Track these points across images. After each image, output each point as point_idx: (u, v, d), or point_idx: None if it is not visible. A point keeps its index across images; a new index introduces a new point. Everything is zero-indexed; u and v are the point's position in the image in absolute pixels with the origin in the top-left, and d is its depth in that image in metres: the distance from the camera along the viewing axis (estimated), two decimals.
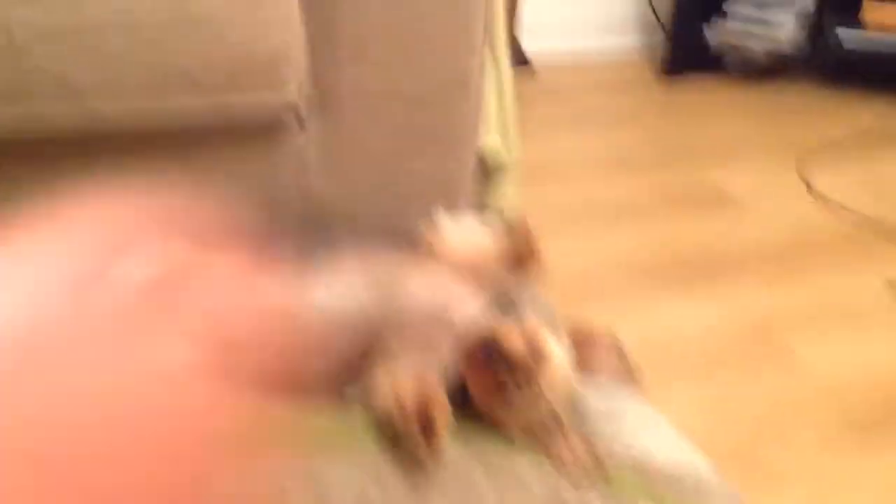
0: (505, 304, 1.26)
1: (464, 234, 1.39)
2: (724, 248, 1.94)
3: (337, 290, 1.28)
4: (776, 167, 2.34)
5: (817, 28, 2.92)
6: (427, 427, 1.09)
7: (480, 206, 1.85)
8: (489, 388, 1.21)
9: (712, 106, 2.74)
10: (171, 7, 1.29)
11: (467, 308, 1.28)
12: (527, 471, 1.23)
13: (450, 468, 1.24)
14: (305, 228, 1.52)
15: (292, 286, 1.30)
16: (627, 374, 1.27)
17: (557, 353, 1.23)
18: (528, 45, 2.93)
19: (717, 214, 2.09)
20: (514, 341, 1.17)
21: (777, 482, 1.32)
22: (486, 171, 1.86)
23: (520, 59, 2.90)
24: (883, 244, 1.97)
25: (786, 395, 1.50)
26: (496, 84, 1.81)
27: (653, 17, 3.10)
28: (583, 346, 1.27)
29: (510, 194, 1.91)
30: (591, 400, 1.40)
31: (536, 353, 1.19)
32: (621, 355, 1.28)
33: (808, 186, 2.22)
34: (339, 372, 1.30)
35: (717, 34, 2.92)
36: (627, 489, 1.22)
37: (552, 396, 1.20)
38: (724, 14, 2.89)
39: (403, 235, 1.54)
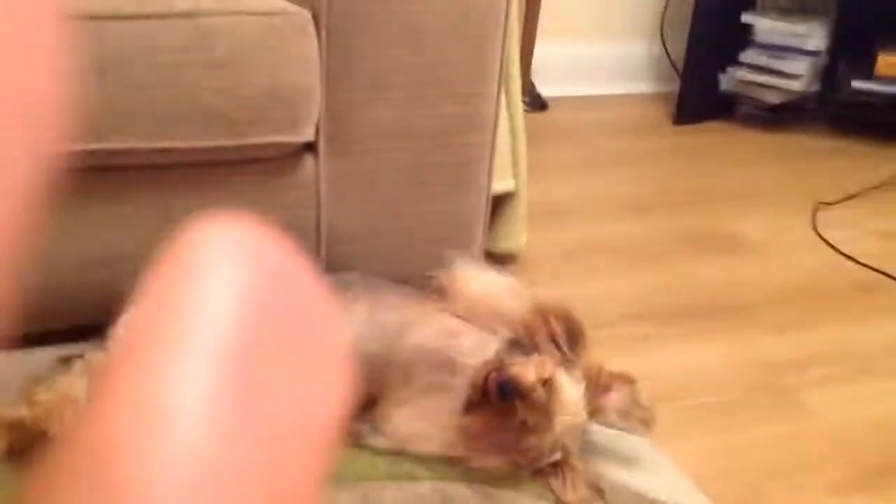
0: (519, 345, 1.27)
1: (483, 279, 1.40)
2: (735, 293, 1.94)
3: None
4: (790, 214, 2.34)
5: (831, 77, 2.94)
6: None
7: (492, 246, 1.87)
8: (497, 423, 1.22)
9: (726, 152, 2.76)
10: (194, 47, 1.32)
11: (473, 356, 1.30)
12: None
13: (454, 502, 1.24)
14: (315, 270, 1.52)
15: None
16: (640, 415, 1.28)
17: (570, 391, 1.24)
18: (543, 90, 2.96)
19: (729, 260, 2.09)
20: (528, 376, 1.18)
21: None
22: (499, 212, 1.87)
23: (535, 102, 2.92)
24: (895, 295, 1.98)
25: (795, 441, 1.50)
26: (510, 126, 1.83)
27: (667, 64, 3.12)
28: (597, 386, 1.28)
29: (521, 235, 1.93)
30: (599, 439, 1.41)
31: (549, 389, 1.20)
32: (635, 397, 1.28)
33: (821, 235, 2.23)
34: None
35: (732, 82, 2.94)
36: None
37: (562, 431, 1.21)
38: (738, 62, 2.91)
39: (415, 276, 1.56)
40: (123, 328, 1.28)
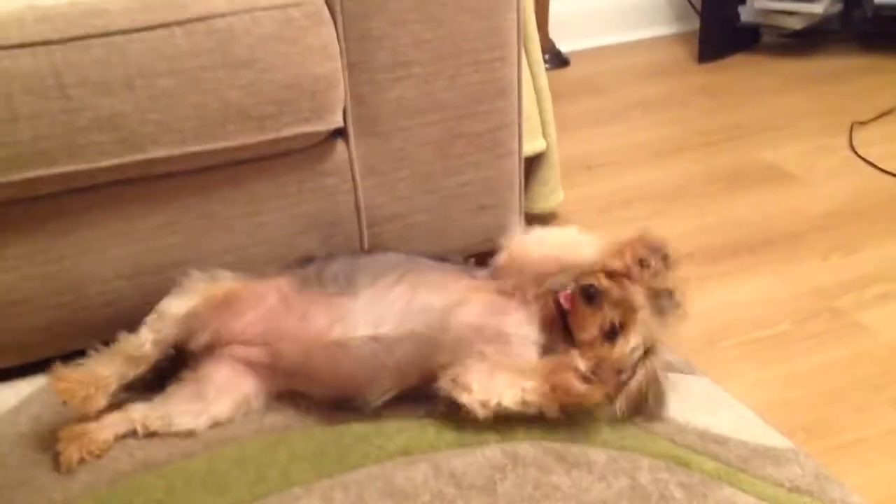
0: (591, 292, 1.30)
1: (550, 238, 1.42)
2: (779, 224, 1.94)
3: (383, 316, 1.33)
4: (825, 138, 2.32)
5: None
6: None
7: (530, 207, 1.88)
8: (588, 324, 1.29)
9: (754, 84, 2.73)
10: (213, 49, 1.34)
11: (522, 327, 1.33)
12: (604, 465, 1.26)
13: (525, 462, 1.27)
14: (355, 252, 1.55)
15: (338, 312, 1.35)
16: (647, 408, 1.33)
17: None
18: (563, 46, 2.95)
19: (769, 192, 2.09)
20: (602, 281, 1.30)
21: (855, 449, 1.32)
22: (533, 173, 1.88)
23: (556, 59, 2.91)
24: None
25: (854, 363, 1.50)
26: (534, 87, 1.83)
27: (684, 2, 3.09)
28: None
29: (558, 193, 1.94)
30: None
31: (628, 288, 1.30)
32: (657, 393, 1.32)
33: (859, 155, 2.21)
34: (399, 383, 1.34)
35: (752, 13, 2.90)
36: (707, 474, 1.24)
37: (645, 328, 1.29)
38: None
39: (457, 248, 1.58)
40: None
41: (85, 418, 1.31)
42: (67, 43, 1.29)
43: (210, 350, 1.38)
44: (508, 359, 1.31)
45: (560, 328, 1.33)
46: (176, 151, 1.38)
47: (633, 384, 1.30)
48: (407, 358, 1.32)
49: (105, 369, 1.32)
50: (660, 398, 1.33)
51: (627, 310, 1.29)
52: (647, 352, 1.31)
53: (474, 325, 1.33)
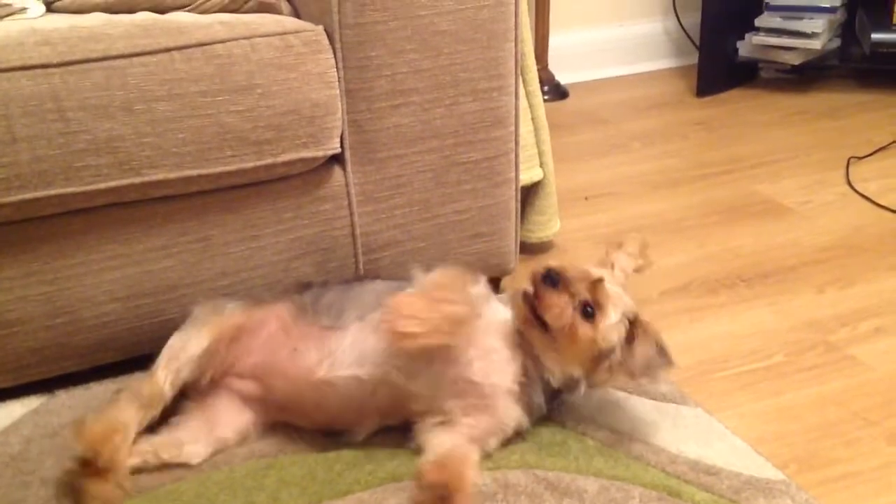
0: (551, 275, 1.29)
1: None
2: (776, 257, 1.94)
3: (365, 356, 1.33)
4: (823, 172, 2.34)
5: (850, 32, 2.92)
6: None
7: (526, 236, 1.88)
8: (562, 308, 1.27)
9: (751, 118, 2.74)
10: (212, 75, 1.36)
11: (491, 374, 1.31)
12: (596, 494, 1.25)
13: (517, 490, 1.26)
14: (349, 279, 1.54)
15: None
16: (663, 362, 1.31)
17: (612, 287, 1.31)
18: (562, 78, 2.97)
19: (766, 224, 2.09)
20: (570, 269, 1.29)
21: (847, 482, 1.32)
22: (530, 202, 1.89)
23: (555, 91, 2.93)
24: None
25: (848, 396, 1.49)
26: (532, 116, 1.84)
27: (683, 37, 3.11)
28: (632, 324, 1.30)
29: (554, 223, 1.94)
30: (652, 411, 1.42)
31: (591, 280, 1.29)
32: (661, 347, 1.31)
33: (856, 189, 2.22)
34: (382, 420, 1.34)
35: (750, 47, 2.93)
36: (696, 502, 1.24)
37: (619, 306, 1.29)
38: (755, 27, 2.90)
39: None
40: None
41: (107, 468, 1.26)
42: (67, 67, 1.30)
43: (211, 381, 1.37)
44: (472, 425, 1.30)
45: (537, 328, 1.29)
46: (173, 175, 1.39)
47: (638, 357, 1.29)
48: (385, 400, 1.32)
49: (125, 416, 1.28)
50: (666, 351, 1.31)
51: (593, 283, 1.27)
52: (633, 322, 1.29)
53: (443, 373, 1.31)
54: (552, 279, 1.27)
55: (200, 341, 1.34)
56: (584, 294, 1.27)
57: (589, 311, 1.27)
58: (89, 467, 1.23)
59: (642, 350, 1.29)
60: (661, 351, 1.30)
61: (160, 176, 1.37)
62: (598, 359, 1.28)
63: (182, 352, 1.33)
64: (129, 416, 1.29)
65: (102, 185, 1.35)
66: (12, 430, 1.41)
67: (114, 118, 1.32)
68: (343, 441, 1.35)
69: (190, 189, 1.42)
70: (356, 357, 1.33)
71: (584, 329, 1.27)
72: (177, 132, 1.36)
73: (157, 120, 1.34)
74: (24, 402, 1.46)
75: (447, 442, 1.26)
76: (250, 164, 1.42)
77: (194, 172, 1.40)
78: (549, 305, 1.27)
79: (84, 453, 1.23)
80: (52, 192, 1.33)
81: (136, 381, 1.34)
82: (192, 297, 1.46)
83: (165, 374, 1.32)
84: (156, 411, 1.31)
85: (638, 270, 1.44)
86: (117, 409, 1.29)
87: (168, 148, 1.36)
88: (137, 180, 1.37)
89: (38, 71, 1.29)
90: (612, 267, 1.38)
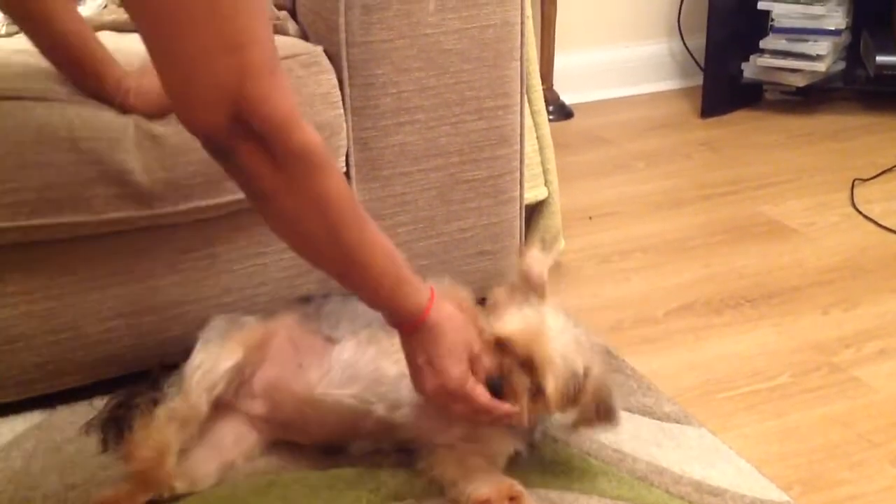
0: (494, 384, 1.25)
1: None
2: (780, 278, 1.94)
3: (357, 377, 1.32)
4: (827, 194, 2.34)
5: (855, 55, 2.93)
6: None
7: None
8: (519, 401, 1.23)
9: (756, 139, 2.75)
10: None
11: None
12: None
13: None
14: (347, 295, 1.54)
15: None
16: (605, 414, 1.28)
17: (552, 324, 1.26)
18: (567, 98, 2.97)
19: (770, 245, 2.09)
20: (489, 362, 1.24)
21: (853, 503, 1.32)
22: (535, 221, 1.89)
23: (560, 111, 2.93)
24: None
25: (853, 418, 1.49)
26: (537, 135, 1.85)
27: (688, 58, 3.12)
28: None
29: (559, 242, 1.94)
30: (656, 431, 1.42)
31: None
32: (605, 398, 1.27)
33: (860, 211, 2.22)
34: (377, 441, 1.35)
35: (755, 69, 2.93)
36: None
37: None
38: (759, 49, 2.90)
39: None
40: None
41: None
42: (83, 102, 1.32)
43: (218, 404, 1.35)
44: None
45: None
46: (182, 207, 1.39)
47: (586, 404, 1.25)
48: (374, 425, 1.32)
49: (168, 437, 1.26)
50: (610, 400, 1.27)
51: (532, 367, 1.22)
52: (584, 373, 1.24)
53: (426, 407, 1.30)
54: (494, 388, 1.22)
55: (232, 356, 1.31)
56: (525, 380, 1.22)
57: (538, 387, 1.22)
58: (138, 488, 1.25)
59: (586, 408, 1.26)
60: (606, 411, 1.27)
61: (169, 208, 1.38)
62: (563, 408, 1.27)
63: (215, 367, 1.30)
64: (172, 436, 1.26)
65: (112, 216, 1.35)
66: (14, 445, 1.41)
67: (126, 151, 1.33)
68: (344, 458, 1.35)
69: (197, 217, 1.43)
70: (348, 377, 1.32)
71: (536, 407, 1.24)
72: (186, 165, 1.36)
73: (167, 154, 1.35)
74: (26, 417, 1.46)
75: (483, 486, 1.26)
76: None
77: (203, 203, 1.40)
78: (502, 414, 1.23)
79: (135, 478, 1.24)
80: (61, 220, 1.33)
81: (172, 399, 1.30)
82: (196, 314, 1.45)
83: (200, 392, 1.28)
84: (194, 430, 1.29)
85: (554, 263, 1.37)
86: (158, 430, 1.26)
87: (178, 181, 1.37)
88: (146, 212, 1.37)
89: (55, 104, 1.31)
90: (532, 280, 1.30)
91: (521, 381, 1.22)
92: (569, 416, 1.29)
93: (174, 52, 0.93)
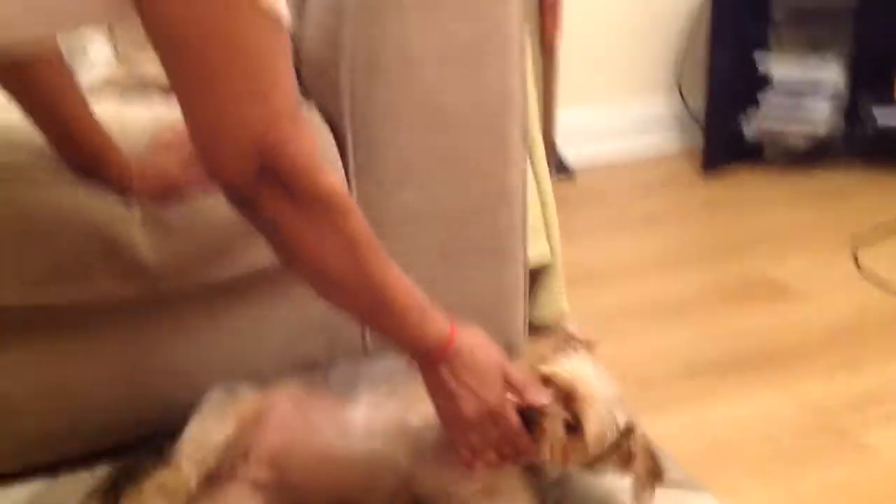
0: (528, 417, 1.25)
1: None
2: (781, 338, 1.93)
3: (376, 431, 1.31)
4: (829, 254, 2.33)
5: (853, 109, 2.93)
6: None
7: (534, 316, 1.87)
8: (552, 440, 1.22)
9: (757, 198, 2.75)
10: None
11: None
12: None
13: None
14: (357, 357, 1.53)
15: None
16: (656, 473, 1.27)
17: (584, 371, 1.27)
18: (567, 152, 2.98)
19: (772, 306, 2.08)
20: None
21: None
22: (537, 282, 1.88)
23: (562, 170, 2.94)
24: None
25: (858, 483, 1.47)
26: (538, 194, 1.85)
27: (688, 117, 3.14)
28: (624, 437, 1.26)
29: (562, 302, 1.93)
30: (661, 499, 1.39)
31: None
32: (654, 456, 1.28)
33: (863, 272, 2.21)
34: (395, 499, 1.31)
35: (754, 125, 2.94)
36: None
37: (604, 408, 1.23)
38: (758, 105, 2.92)
39: None
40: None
41: None
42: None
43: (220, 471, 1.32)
44: None
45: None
46: (187, 282, 1.39)
47: (640, 464, 1.25)
48: (394, 480, 1.30)
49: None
50: (658, 459, 1.28)
51: (573, 401, 1.22)
52: (626, 428, 1.24)
53: (447, 457, 1.29)
54: (529, 419, 1.22)
55: (224, 429, 1.28)
56: (562, 413, 1.22)
57: (572, 425, 1.22)
58: None
59: (641, 468, 1.26)
60: (659, 471, 1.27)
61: (174, 284, 1.37)
62: (596, 459, 1.26)
63: (206, 441, 1.27)
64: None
65: (117, 293, 1.35)
66: None
67: (133, 230, 1.32)
68: None
69: (202, 289, 1.42)
70: (370, 431, 1.31)
71: (576, 448, 1.23)
72: (192, 245, 1.36)
73: (173, 230, 1.34)
74: (27, 486, 1.42)
75: None
76: (265, 263, 1.40)
77: (207, 280, 1.40)
78: (535, 450, 1.23)
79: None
80: (66, 298, 1.33)
81: (160, 474, 1.27)
82: (198, 377, 1.43)
83: (191, 466, 1.25)
84: (181, 503, 1.25)
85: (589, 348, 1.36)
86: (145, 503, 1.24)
87: (182, 260, 1.36)
88: (151, 289, 1.36)
89: (63, 182, 1.30)
90: (576, 337, 1.34)
91: (558, 413, 1.21)
92: (625, 481, 1.28)
93: (205, 101, 0.94)
